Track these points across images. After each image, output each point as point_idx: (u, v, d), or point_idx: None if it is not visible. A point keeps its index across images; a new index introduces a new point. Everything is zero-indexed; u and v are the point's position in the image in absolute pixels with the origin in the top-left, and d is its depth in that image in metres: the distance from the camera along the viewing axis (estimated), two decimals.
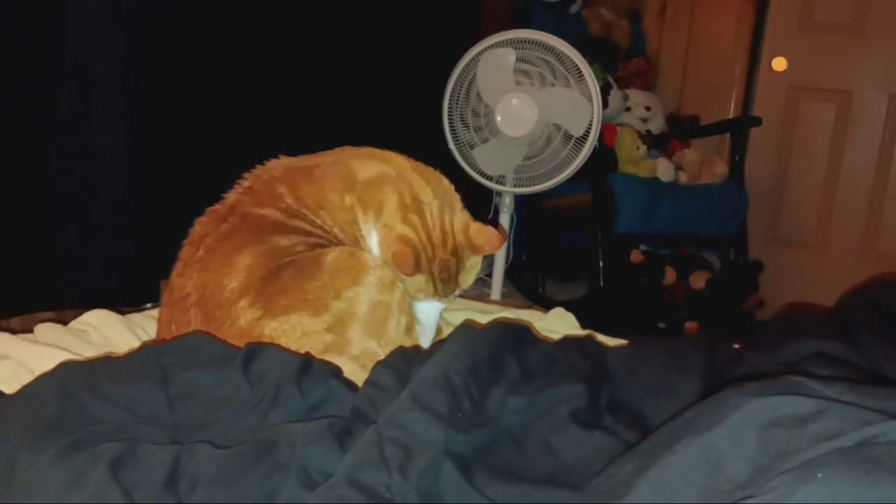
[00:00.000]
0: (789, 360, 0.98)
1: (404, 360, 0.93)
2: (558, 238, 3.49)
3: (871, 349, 0.99)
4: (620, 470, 0.64)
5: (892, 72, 3.54)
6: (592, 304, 2.92)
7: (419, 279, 1.16)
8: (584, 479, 0.72)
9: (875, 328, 1.03)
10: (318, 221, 1.16)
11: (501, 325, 0.98)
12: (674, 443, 0.60)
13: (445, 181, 1.26)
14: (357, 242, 1.17)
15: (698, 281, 3.15)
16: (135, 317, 1.33)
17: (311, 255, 1.07)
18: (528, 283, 3.34)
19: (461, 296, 1.36)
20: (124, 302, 1.66)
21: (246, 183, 1.19)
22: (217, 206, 1.17)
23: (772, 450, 0.56)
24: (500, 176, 2.40)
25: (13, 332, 1.20)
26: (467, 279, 1.24)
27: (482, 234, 1.22)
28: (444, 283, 1.19)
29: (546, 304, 1.95)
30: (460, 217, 1.23)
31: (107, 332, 1.24)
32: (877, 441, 0.53)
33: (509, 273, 2.82)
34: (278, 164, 1.22)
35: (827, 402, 0.58)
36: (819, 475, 0.49)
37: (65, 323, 1.27)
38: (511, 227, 2.55)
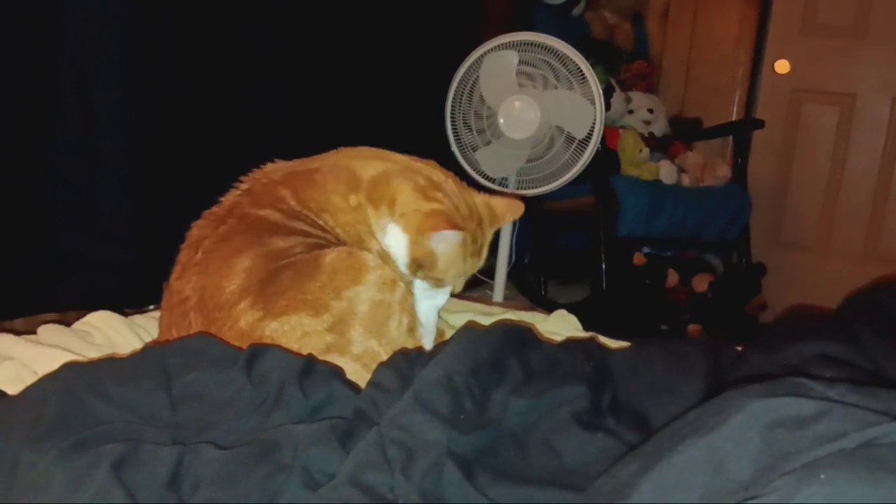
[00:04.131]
0: (792, 362, 0.97)
1: (407, 362, 0.93)
2: (561, 240, 3.49)
3: (873, 351, 0.98)
4: (623, 471, 0.64)
5: (895, 74, 3.54)
6: (595, 306, 2.91)
7: (456, 253, 1.17)
8: (587, 480, 0.72)
9: (878, 330, 1.03)
10: (320, 222, 1.16)
11: (504, 327, 0.98)
12: (676, 444, 0.60)
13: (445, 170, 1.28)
14: (361, 242, 1.17)
15: (701, 283, 3.15)
16: (138, 318, 1.34)
17: (309, 255, 1.07)
18: (530, 286, 3.34)
19: (463, 297, 1.36)
20: (127, 303, 1.66)
21: (244, 186, 1.19)
22: (214, 209, 1.16)
23: (775, 451, 0.55)
24: (502, 178, 2.41)
25: (16, 333, 1.20)
26: (484, 256, 1.27)
27: (502, 203, 1.26)
28: (472, 257, 1.21)
29: (548, 307, 1.95)
30: (475, 192, 1.26)
31: (110, 334, 1.25)
32: (880, 442, 0.53)
33: (512, 275, 2.82)
34: (277, 168, 1.22)
35: (830, 403, 0.58)
36: (822, 476, 0.49)
37: (68, 324, 1.27)
38: (513, 230, 2.55)
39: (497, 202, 1.26)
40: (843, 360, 0.94)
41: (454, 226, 1.14)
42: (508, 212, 1.26)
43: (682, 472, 0.58)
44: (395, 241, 1.17)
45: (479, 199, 1.25)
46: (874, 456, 0.51)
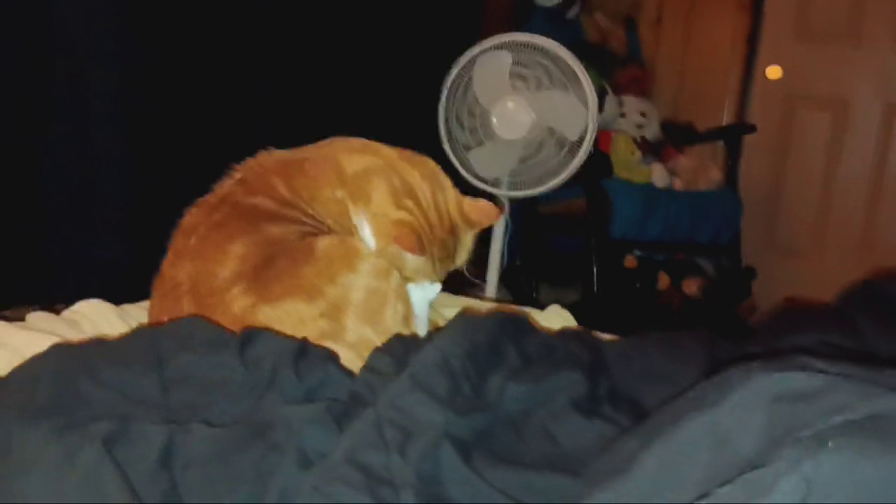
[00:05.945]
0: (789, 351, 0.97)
1: (402, 346, 0.92)
2: (553, 243, 3.48)
3: (873, 340, 0.98)
4: (624, 446, 0.63)
5: (888, 80, 3.56)
6: (586, 308, 2.91)
7: (418, 261, 1.16)
8: (583, 466, 0.71)
9: (877, 319, 1.02)
10: (311, 212, 1.15)
11: (500, 314, 0.97)
12: (678, 419, 0.59)
13: (431, 163, 1.26)
14: (350, 233, 1.16)
15: (692, 287, 3.15)
16: (127, 307, 1.32)
17: (303, 242, 1.06)
18: (522, 288, 3.32)
19: (457, 293, 1.35)
20: (124, 298, 1.65)
21: (238, 175, 1.18)
22: (208, 197, 1.16)
23: (780, 425, 0.55)
24: (494, 179, 2.40)
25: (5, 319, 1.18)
26: (462, 257, 1.24)
27: (476, 209, 1.23)
28: (442, 262, 1.19)
29: (540, 309, 1.93)
30: (452, 195, 1.23)
31: (99, 322, 1.23)
32: (885, 413, 0.52)
33: (503, 278, 2.81)
34: (270, 158, 1.21)
35: (835, 377, 0.57)
36: (830, 444, 0.48)
37: (57, 314, 1.25)
38: (505, 232, 2.54)
39: (472, 208, 1.22)
40: (841, 346, 0.94)
41: (414, 247, 1.12)
42: (484, 218, 1.23)
43: (684, 447, 0.57)
44: (368, 239, 1.17)
45: (455, 203, 1.22)
46: (881, 426, 0.50)
